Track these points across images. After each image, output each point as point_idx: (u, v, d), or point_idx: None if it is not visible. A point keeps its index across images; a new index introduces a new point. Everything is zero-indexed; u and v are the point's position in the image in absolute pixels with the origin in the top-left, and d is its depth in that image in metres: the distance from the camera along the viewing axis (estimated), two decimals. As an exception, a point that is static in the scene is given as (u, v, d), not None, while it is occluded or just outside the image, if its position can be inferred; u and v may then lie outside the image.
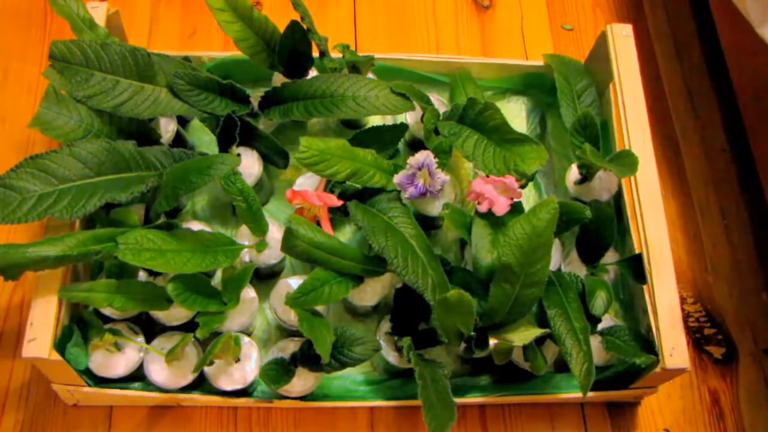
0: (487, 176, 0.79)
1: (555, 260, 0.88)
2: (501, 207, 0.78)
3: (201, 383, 0.84)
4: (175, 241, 0.76)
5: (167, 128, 0.90)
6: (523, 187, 0.80)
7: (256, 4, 1.10)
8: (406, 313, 0.82)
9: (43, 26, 1.10)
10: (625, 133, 0.89)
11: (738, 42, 1.06)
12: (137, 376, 0.82)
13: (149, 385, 0.82)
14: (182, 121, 0.98)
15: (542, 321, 0.79)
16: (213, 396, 0.82)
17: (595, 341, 0.84)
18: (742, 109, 1.07)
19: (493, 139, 0.81)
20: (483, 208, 0.78)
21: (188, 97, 0.85)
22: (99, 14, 0.88)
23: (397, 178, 0.82)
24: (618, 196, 0.93)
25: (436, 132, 0.87)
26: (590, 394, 0.81)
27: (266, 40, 0.90)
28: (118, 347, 0.81)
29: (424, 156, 0.81)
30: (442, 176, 0.82)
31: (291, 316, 0.82)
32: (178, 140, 0.93)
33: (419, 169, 0.81)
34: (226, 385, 0.81)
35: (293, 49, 0.89)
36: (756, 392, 0.94)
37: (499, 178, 0.78)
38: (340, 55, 0.92)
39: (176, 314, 0.82)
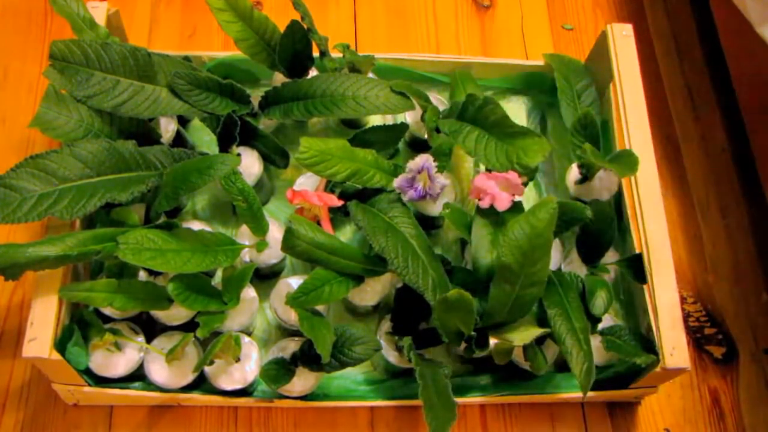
0: (490, 172, 0.79)
1: (555, 260, 0.88)
2: (503, 203, 0.78)
3: (201, 383, 0.84)
4: (175, 241, 0.76)
5: (167, 128, 0.90)
6: (525, 184, 0.80)
7: (256, 4, 1.10)
8: (407, 312, 0.82)
9: (43, 26, 1.10)
10: (625, 133, 0.89)
11: (738, 42, 1.06)
12: (137, 376, 0.82)
13: (149, 385, 0.82)
14: (182, 121, 0.98)
15: (542, 321, 0.79)
16: (213, 396, 0.82)
17: (595, 341, 0.84)
18: (742, 109, 1.07)
19: (495, 134, 0.80)
20: (485, 204, 0.78)
21: (188, 97, 0.85)
22: (99, 14, 0.88)
23: (396, 182, 0.82)
24: (618, 196, 0.93)
25: (437, 131, 0.87)
26: (590, 393, 0.81)
27: (266, 40, 0.90)
28: (119, 347, 0.81)
29: (423, 160, 0.81)
30: (442, 180, 0.82)
31: (291, 316, 0.82)
32: (179, 140, 0.93)
33: (419, 172, 0.81)
34: (227, 384, 0.81)
35: (293, 48, 0.89)
36: (756, 392, 0.94)
37: (502, 174, 0.78)
38: (341, 55, 0.92)
39: (176, 314, 0.82)
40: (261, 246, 0.83)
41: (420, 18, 1.15)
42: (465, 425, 0.89)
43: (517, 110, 1.04)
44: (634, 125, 0.89)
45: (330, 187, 0.86)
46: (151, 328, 0.84)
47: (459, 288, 0.72)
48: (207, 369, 0.81)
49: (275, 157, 0.91)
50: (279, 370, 0.79)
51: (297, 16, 0.88)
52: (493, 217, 0.79)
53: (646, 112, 0.90)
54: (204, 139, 0.98)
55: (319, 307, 0.81)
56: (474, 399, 0.86)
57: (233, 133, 0.85)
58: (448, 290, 0.74)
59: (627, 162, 0.84)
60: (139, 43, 1.03)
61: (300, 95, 0.87)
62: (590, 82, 0.97)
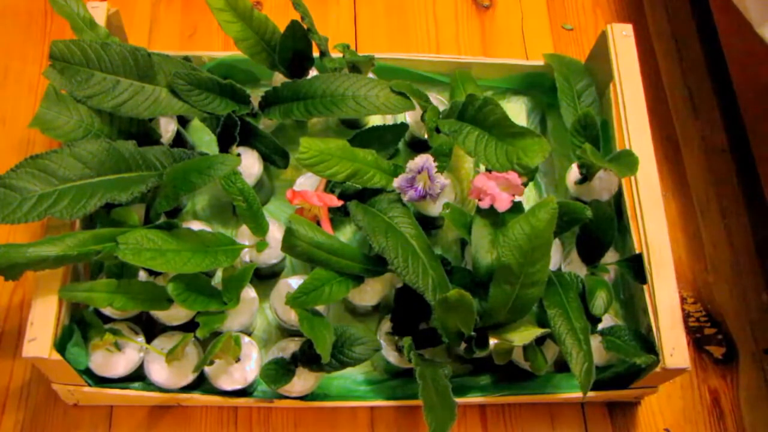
0: (490, 172, 0.79)
1: (555, 260, 0.88)
2: (503, 203, 0.78)
3: (201, 383, 0.84)
4: (175, 241, 0.76)
5: (167, 128, 0.90)
6: (525, 184, 0.80)
7: (256, 4, 1.10)
8: (407, 313, 0.82)
9: (43, 26, 1.10)
10: (625, 133, 0.89)
11: (738, 42, 1.06)
12: (137, 376, 0.82)
13: (149, 385, 0.82)
14: (182, 121, 0.98)
15: (542, 321, 0.79)
16: (213, 396, 0.82)
17: (595, 341, 0.84)
18: (742, 109, 1.07)
19: (495, 134, 0.80)
20: (485, 204, 0.78)
21: (188, 97, 0.85)
22: (99, 14, 0.88)
23: (396, 182, 0.82)
24: (618, 196, 0.93)
25: (437, 131, 0.87)
26: (590, 394, 0.81)
27: (266, 40, 0.90)
28: (119, 347, 0.81)
29: (423, 160, 0.81)
30: (442, 180, 0.82)
31: (291, 316, 0.82)
32: (179, 140, 0.93)
33: (419, 172, 0.81)
34: (227, 384, 0.81)
35: (293, 49, 0.89)
36: (756, 392, 0.94)
37: (502, 174, 0.78)
38: (341, 55, 0.92)
39: (176, 314, 0.82)
40: (261, 246, 0.83)
41: (420, 18, 1.15)
42: (465, 425, 0.89)
43: (517, 110, 1.05)
44: (634, 125, 0.89)
45: (330, 187, 0.86)
46: (151, 328, 0.84)
47: (459, 288, 0.72)
48: (207, 369, 0.81)
49: (275, 157, 0.91)
50: (279, 370, 0.79)
51: (297, 16, 0.88)
52: (493, 217, 0.79)
53: (646, 112, 0.90)
54: (204, 139, 0.98)
55: (319, 307, 0.81)
56: (474, 399, 0.86)
57: (233, 133, 0.85)
58: (448, 290, 0.74)
59: (627, 162, 0.85)
60: (139, 43, 1.03)
61: (300, 95, 0.87)
62: (590, 82, 0.97)
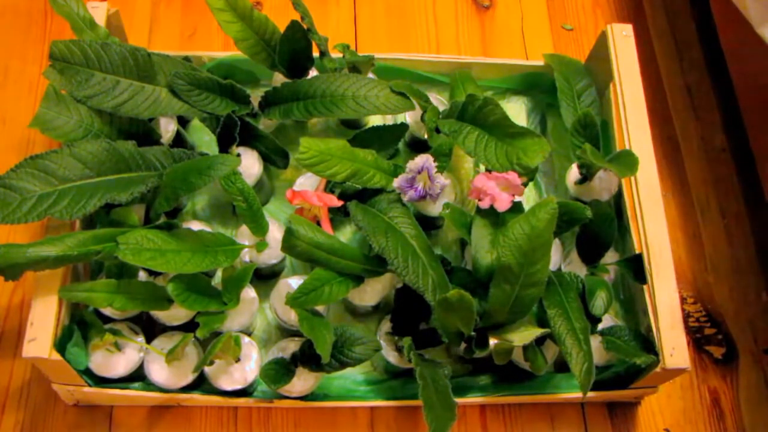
0: (490, 172, 0.79)
1: (555, 260, 0.88)
2: (503, 203, 0.78)
3: (201, 383, 0.84)
4: (175, 241, 0.76)
5: (167, 128, 0.90)
6: (525, 184, 0.80)
7: (256, 4, 1.10)
8: (407, 313, 0.82)
9: (43, 26, 1.10)
10: (625, 133, 0.89)
11: (738, 42, 1.06)
12: (137, 376, 0.82)
13: (149, 385, 0.82)
14: (182, 121, 0.98)
15: (542, 321, 0.79)
16: (213, 396, 0.82)
17: (595, 341, 0.84)
18: (742, 109, 1.07)
19: (495, 134, 0.80)
20: (485, 204, 0.78)
21: (188, 97, 0.85)
22: (99, 14, 0.88)
23: (396, 182, 0.82)
24: (618, 196, 0.93)
25: (437, 131, 0.87)
26: (590, 394, 0.81)
27: (266, 40, 0.90)
28: (119, 347, 0.81)
29: (423, 160, 0.81)
30: (442, 180, 0.82)
31: (291, 316, 0.82)
32: (178, 140, 0.93)
33: (419, 172, 0.81)
34: (227, 385, 0.81)
35: (293, 49, 0.89)
36: (756, 392, 0.94)
37: (502, 174, 0.78)
38: (341, 55, 0.92)
39: (176, 314, 0.82)
40: (261, 246, 0.83)
41: (420, 18, 1.15)
42: (465, 425, 0.89)
43: (517, 110, 1.04)
44: (634, 125, 0.89)
45: (330, 187, 0.86)
46: (151, 328, 0.84)
47: (459, 288, 0.72)
48: (207, 369, 0.81)
49: (275, 157, 0.91)
50: (279, 370, 0.79)
51: (297, 16, 0.88)
52: (493, 217, 0.79)
53: (646, 112, 0.90)
54: (204, 139, 0.98)
55: (319, 308, 0.81)
56: (474, 399, 0.86)
57: (233, 133, 0.85)
58: (448, 290, 0.74)
59: (627, 162, 0.85)
60: (139, 43, 1.04)
61: (300, 95, 0.87)
62: (590, 82, 0.97)
